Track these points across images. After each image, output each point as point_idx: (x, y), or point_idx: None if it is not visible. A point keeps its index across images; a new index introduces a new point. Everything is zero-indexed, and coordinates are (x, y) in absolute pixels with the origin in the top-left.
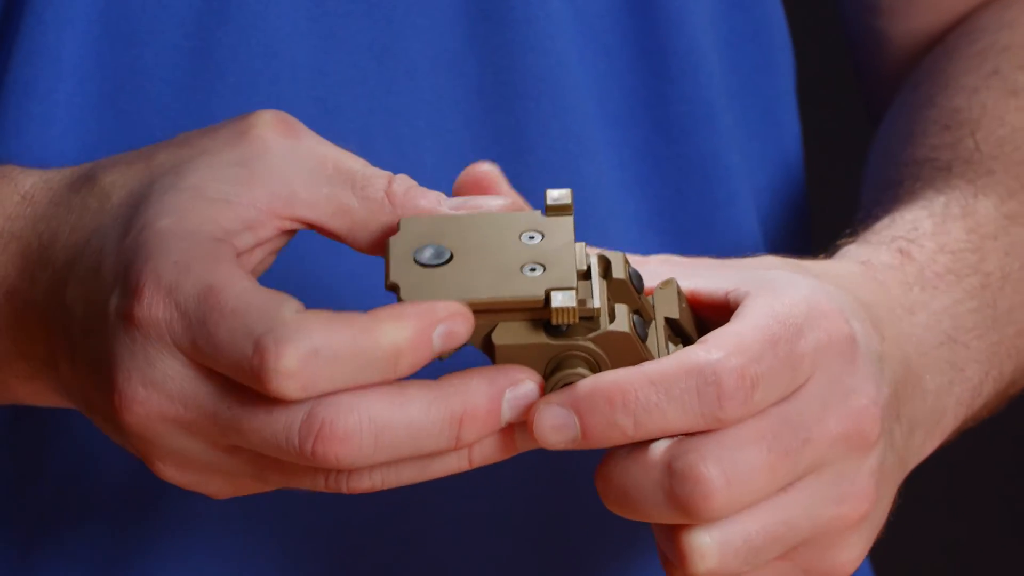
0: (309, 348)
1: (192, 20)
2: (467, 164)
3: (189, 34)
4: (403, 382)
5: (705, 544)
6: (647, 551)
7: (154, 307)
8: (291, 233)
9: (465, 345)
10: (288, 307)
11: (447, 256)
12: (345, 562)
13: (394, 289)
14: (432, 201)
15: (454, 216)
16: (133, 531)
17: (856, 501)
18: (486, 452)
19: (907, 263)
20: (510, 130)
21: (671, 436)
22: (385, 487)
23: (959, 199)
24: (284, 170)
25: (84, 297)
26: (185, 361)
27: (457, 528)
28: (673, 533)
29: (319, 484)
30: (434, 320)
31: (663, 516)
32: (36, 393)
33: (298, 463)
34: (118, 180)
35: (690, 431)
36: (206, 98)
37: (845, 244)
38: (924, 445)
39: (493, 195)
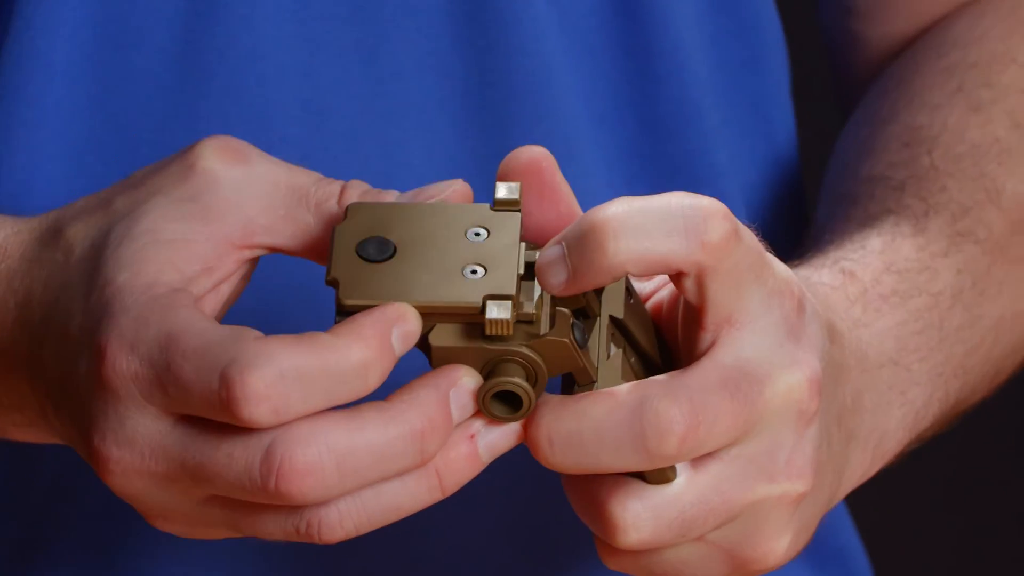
0: (274, 371)
1: (179, 23)
2: (454, 165)
3: (176, 37)
4: (356, 407)
5: (638, 513)
6: None
7: (119, 365)
8: (255, 261)
9: None
10: (248, 336)
11: (390, 251)
12: (339, 561)
13: (334, 284)
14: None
15: (401, 204)
16: (128, 532)
17: (792, 478)
18: (456, 477)
19: (850, 283)
20: (497, 131)
21: None
22: (359, 532)
23: (910, 218)
24: (236, 199)
25: (57, 359)
26: (155, 413)
27: (456, 536)
28: (603, 503)
29: (290, 530)
30: (388, 325)
31: (621, 459)
32: (37, 436)
33: (270, 504)
34: (80, 231)
35: None
36: (194, 101)
37: (792, 266)
38: (862, 462)
39: (448, 183)
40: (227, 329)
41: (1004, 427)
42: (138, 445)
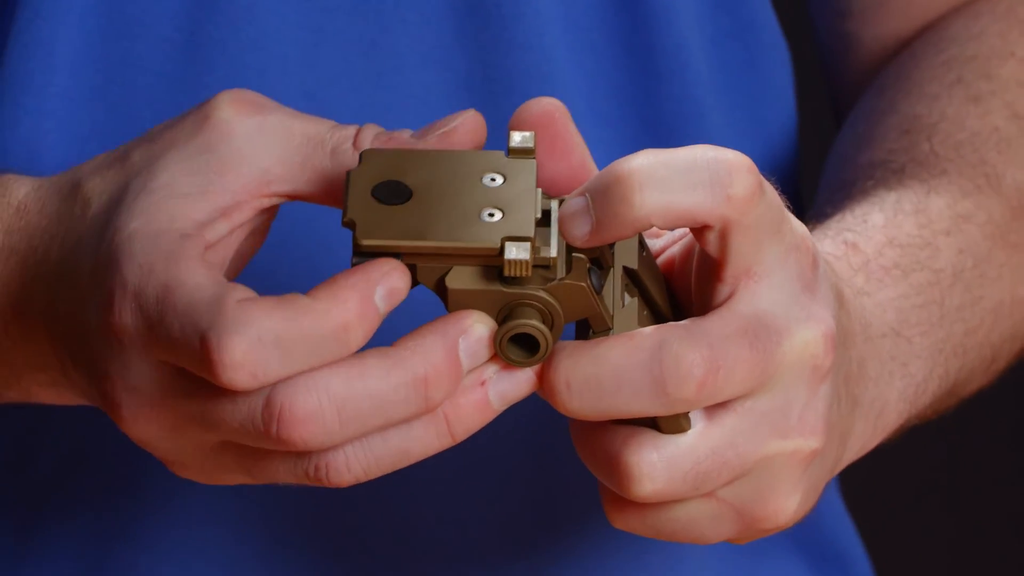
0: (251, 337)
1: (183, 13)
2: None
3: (180, 27)
4: (360, 353)
5: (653, 462)
6: None
7: (123, 314)
8: (273, 209)
9: (417, 285)
10: (232, 297)
11: (406, 194)
12: (338, 551)
13: (351, 226)
14: (400, 142)
15: (416, 151)
16: (125, 519)
17: (805, 434)
18: (465, 424)
19: (852, 254)
20: (498, 126)
21: None
22: (368, 477)
23: (911, 197)
24: (252, 149)
25: (70, 309)
26: (155, 363)
27: (459, 495)
28: (617, 452)
29: (300, 474)
30: (372, 284)
31: (639, 403)
32: (60, 397)
33: (279, 449)
34: (97, 186)
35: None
36: (196, 91)
37: None
38: (864, 431)
39: (458, 113)
40: (214, 288)
41: (1004, 429)
42: (145, 392)
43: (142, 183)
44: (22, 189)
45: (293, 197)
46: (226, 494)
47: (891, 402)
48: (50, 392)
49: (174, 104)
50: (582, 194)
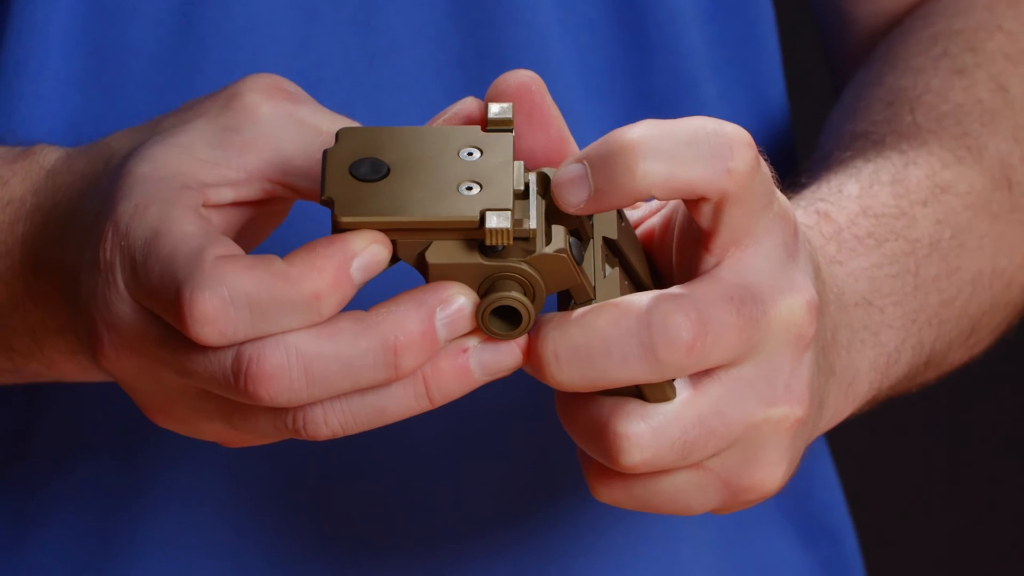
0: (222, 296)
1: None
2: None
3: (172, 9)
4: (335, 315)
5: (641, 431)
6: None
7: (111, 252)
8: (284, 203)
9: (398, 262)
10: (211, 253)
11: (384, 171)
12: (336, 535)
13: (328, 204)
14: None
15: (392, 128)
16: (123, 505)
17: (791, 402)
18: (444, 388)
19: (824, 223)
20: None
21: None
22: (345, 432)
23: (889, 168)
24: (277, 137)
25: (76, 253)
26: (135, 305)
27: (443, 463)
28: (605, 422)
29: (280, 426)
30: (349, 255)
31: (628, 370)
32: (80, 367)
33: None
34: (124, 143)
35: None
36: (189, 73)
37: None
38: (837, 400)
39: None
40: (197, 240)
41: (991, 411)
42: (123, 332)
43: (162, 138)
44: (55, 155)
45: (309, 196)
46: (227, 477)
47: (862, 371)
48: (71, 363)
49: (168, 87)
50: (580, 161)
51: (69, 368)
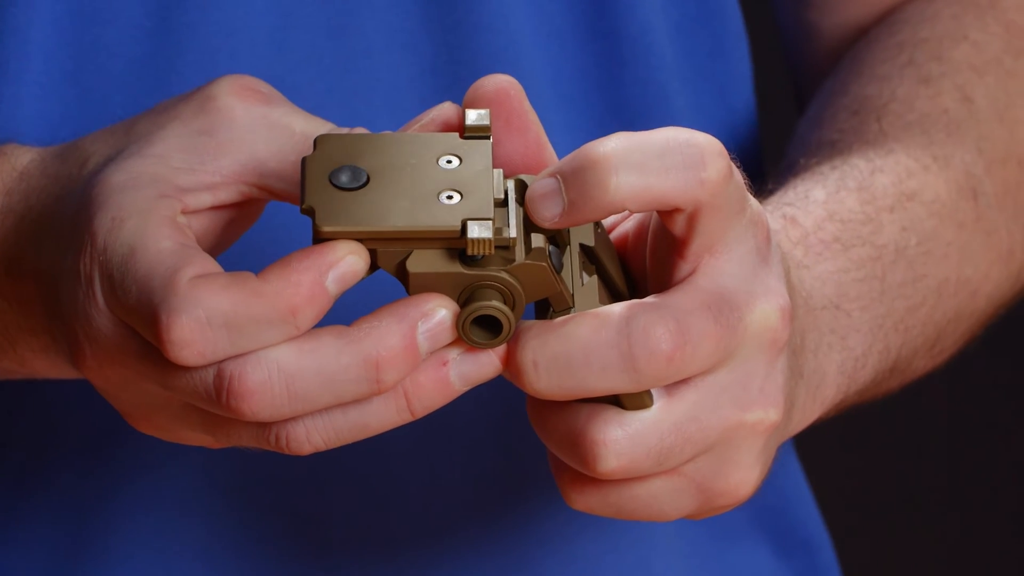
0: (199, 317)
1: None
2: None
3: (150, 12)
4: (316, 329)
5: (617, 438)
6: None
7: (90, 266)
8: (259, 203)
9: (377, 271)
10: (185, 274)
11: (364, 179)
12: (312, 535)
13: (309, 213)
14: None
15: (371, 135)
16: (98, 504)
17: (766, 406)
18: (425, 401)
19: (791, 227)
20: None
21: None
22: (328, 447)
23: (855, 175)
24: (251, 139)
25: (53, 259)
26: (113, 319)
27: (422, 472)
28: (581, 430)
29: (262, 440)
30: (324, 267)
31: (607, 380)
32: (53, 365)
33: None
34: (99, 149)
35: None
36: (166, 76)
37: None
38: (805, 404)
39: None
40: (173, 260)
41: (969, 422)
42: (104, 344)
43: (138, 148)
44: (27, 156)
45: (282, 196)
46: (200, 479)
47: (829, 375)
48: (43, 360)
49: (145, 89)
50: (552, 175)
51: (41, 366)
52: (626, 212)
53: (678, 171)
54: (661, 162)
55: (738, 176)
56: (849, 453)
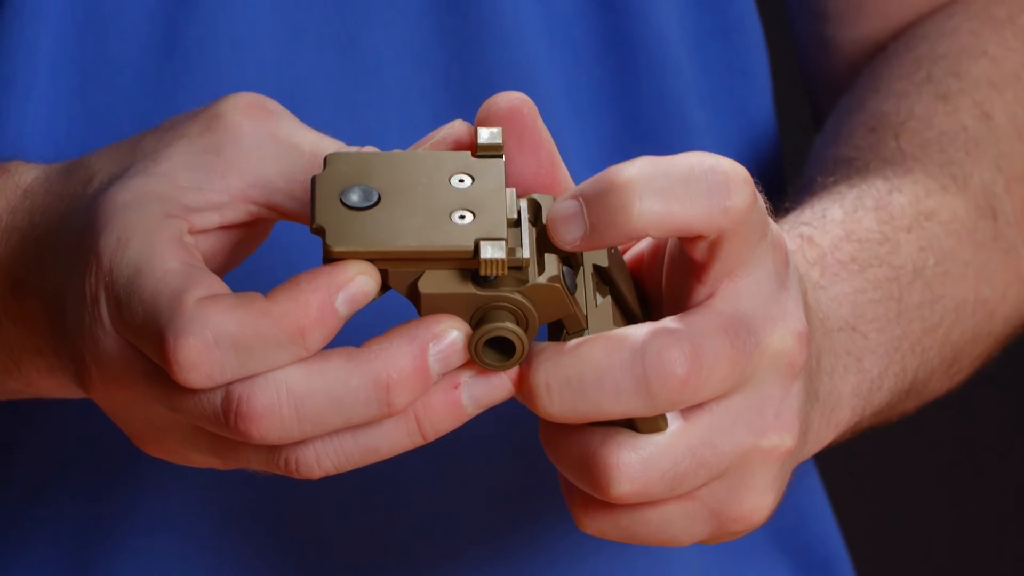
0: (206, 339)
1: (160, 12)
2: None
3: (157, 26)
4: (326, 351)
5: (631, 462)
6: None
7: (96, 287)
8: (267, 223)
9: (388, 291)
10: (192, 295)
11: (375, 198)
12: (317, 556)
13: (320, 233)
14: None
15: (381, 153)
16: (104, 523)
17: (781, 431)
18: (436, 424)
19: (808, 247)
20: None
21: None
22: (339, 471)
23: (873, 194)
24: (259, 158)
25: (58, 278)
26: (120, 341)
27: (430, 496)
28: (594, 453)
29: (272, 464)
30: (334, 288)
31: (621, 403)
32: (59, 385)
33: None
34: (104, 166)
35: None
36: (173, 91)
37: None
38: (820, 427)
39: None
40: (179, 281)
41: (987, 439)
42: (111, 365)
43: (144, 166)
44: (31, 173)
45: (291, 217)
46: (208, 502)
47: (844, 397)
48: (49, 380)
49: (152, 104)
50: (575, 198)
51: (48, 386)
52: None
53: (703, 198)
54: (685, 189)
55: (761, 202)
56: (870, 471)
